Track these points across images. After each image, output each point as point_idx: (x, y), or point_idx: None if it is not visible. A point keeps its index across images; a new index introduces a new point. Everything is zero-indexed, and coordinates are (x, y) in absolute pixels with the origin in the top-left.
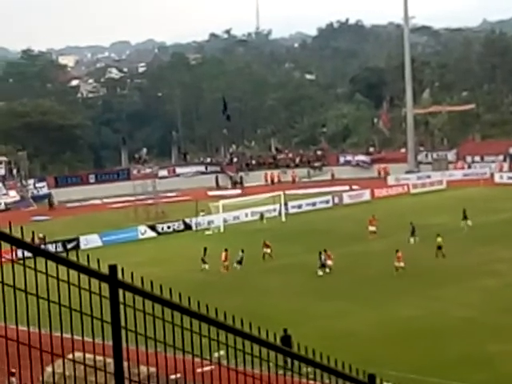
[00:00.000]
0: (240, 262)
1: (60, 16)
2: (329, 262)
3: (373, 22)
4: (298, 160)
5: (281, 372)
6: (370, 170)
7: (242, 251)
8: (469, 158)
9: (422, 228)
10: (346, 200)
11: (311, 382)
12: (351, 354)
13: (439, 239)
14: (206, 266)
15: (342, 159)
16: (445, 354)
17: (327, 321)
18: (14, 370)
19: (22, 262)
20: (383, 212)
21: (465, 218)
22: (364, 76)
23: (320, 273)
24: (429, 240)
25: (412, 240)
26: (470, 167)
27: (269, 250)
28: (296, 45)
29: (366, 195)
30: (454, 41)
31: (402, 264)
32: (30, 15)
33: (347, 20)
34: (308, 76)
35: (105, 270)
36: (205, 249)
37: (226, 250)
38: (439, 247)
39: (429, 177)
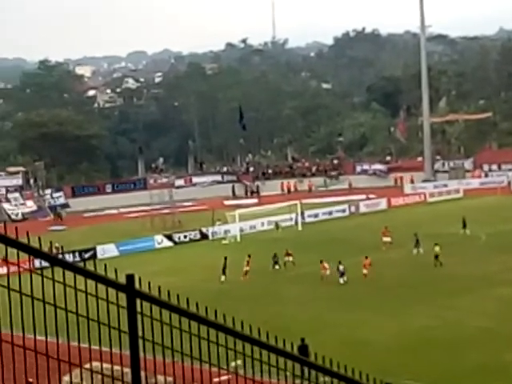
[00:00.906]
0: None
1: (77, 27)
2: (327, 272)
3: (389, 31)
4: (314, 169)
5: (298, 382)
6: (386, 179)
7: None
8: (486, 167)
9: (439, 237)
10: (363, 209)
11: None
12: (367, 364)
13: (437, 248)
14: (223, 278)
15: (358, 168)
16: (461, 364)
17: (343, 330)
18: (31, 380)
19: (39, 271)
20: (399, 221)
21: (464, 226)
22: (380, 85)
23: (341, 281)
24: (445, 249)
25: (415, 251)
26: (486, 176)
27: (291, 259)
28: (312, 54)
29: (383, 204)
30: (471, 49)
31: (365, 271)
32: (46, 26)
33: (363, 29)
34: (324, 85)
35: (122, 279)
36: (225, 258)
37: (249, 256)
38: (436, 256)
39: (445, 185)
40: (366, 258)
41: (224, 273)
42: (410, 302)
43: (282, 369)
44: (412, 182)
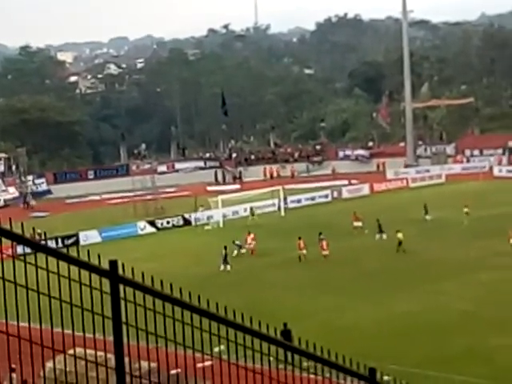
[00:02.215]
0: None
1: (58, 12)
2: (303, 252)
3: (371, 17)
4: (297, 155)
5: (281, 366)
6: (369, 165)
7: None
8: (468, 152)
9: (422, 222)
10: (345, 194)
11: (312, 376)
12: (351, 349)
13: (399, 235)
14: (227, 267)
15: (341, 154)
16: (445, 348)
17: (327, 315)
18: (14, 366)
19: (22, 257)
20: (382, 206)
21: (426, 212)
22: (362, 70)
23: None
24: (427, 233)
25: (378, 236)
26: (468, 161)
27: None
28: (294, 39)
29: (365, 189)
30: (453, 35)
31: (325, 252)
32: (28, 11)
33: (345, 14)
34: (307, 71)
35: (105, 265)
36: (225, 247)
37: (249, 232)
38: (400, 243)
39: (428, 171)
40: (322, 239)
41: (226, 262)
42: (393, 287)
43: (265, 354)
44: (406, 166)
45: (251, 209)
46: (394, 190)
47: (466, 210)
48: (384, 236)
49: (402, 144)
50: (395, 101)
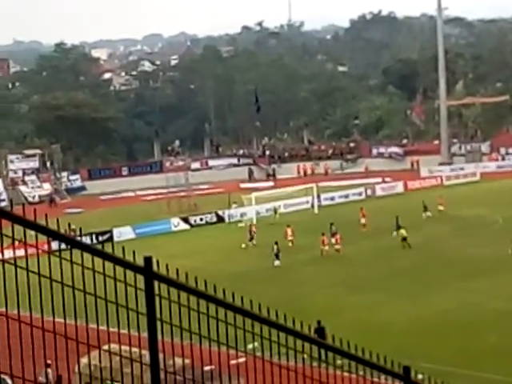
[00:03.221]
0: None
1: (93, 9)
2: (325, 247)
3: (405, 14)
4: (330, 152)
5: (315, 364)
6: (402, 162)
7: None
8: (503, 150)
9: (456, 220)
10: (379, 192)
11: (346, 374)
12: (384, 346)
13: (402, 231)
14: (277, 263)
15: (374, 151)
16: (479, 347)
17: (360, 312)
18: (49, 362)
19: (57, 253)
20: (416, 204)
21: (425, 209)
22: (397, 68)
23: (337, 247)
24: (461, 231)
25: (395, 233)
26: (504, 159)
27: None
28: (328, 37)
29: (399, 187)
30: (488, 32)
31: (338, 246)
32: (62, 8)
33: (380, 11)
34: (340, 68)
35: (139, 261)
36: (276, 243)
37: (288, 225)
38: (404, 239)
39: (462, 169)
40: (336, 233)
41: (278, 257)
42: (426, 284)
43: (299, 351)
44: (440, 164)
45: (274, 208)
46: (428, 188)
47: (440, 208)
48: (395, 233)
49: (436, 142)
50: (429, 98)
